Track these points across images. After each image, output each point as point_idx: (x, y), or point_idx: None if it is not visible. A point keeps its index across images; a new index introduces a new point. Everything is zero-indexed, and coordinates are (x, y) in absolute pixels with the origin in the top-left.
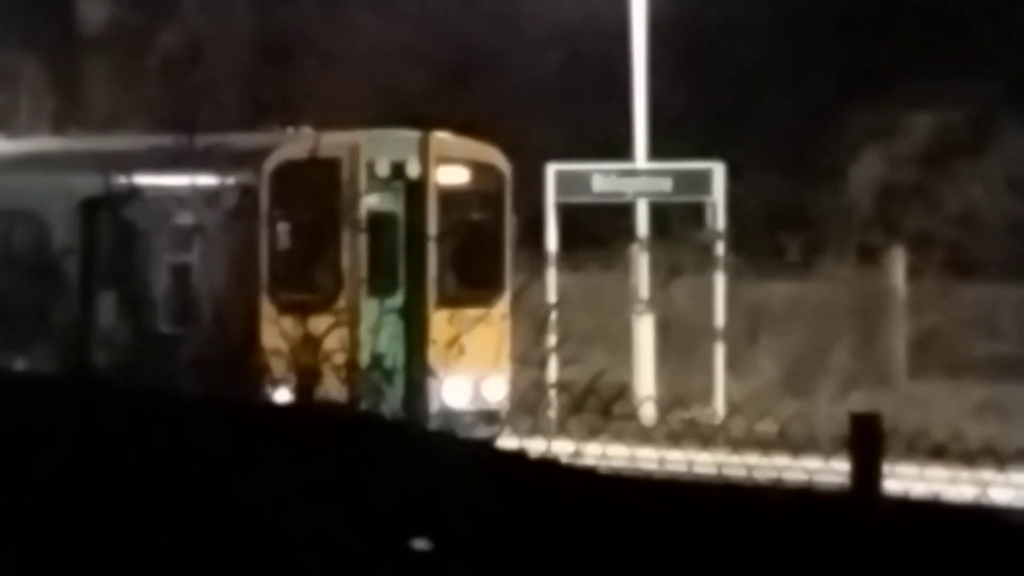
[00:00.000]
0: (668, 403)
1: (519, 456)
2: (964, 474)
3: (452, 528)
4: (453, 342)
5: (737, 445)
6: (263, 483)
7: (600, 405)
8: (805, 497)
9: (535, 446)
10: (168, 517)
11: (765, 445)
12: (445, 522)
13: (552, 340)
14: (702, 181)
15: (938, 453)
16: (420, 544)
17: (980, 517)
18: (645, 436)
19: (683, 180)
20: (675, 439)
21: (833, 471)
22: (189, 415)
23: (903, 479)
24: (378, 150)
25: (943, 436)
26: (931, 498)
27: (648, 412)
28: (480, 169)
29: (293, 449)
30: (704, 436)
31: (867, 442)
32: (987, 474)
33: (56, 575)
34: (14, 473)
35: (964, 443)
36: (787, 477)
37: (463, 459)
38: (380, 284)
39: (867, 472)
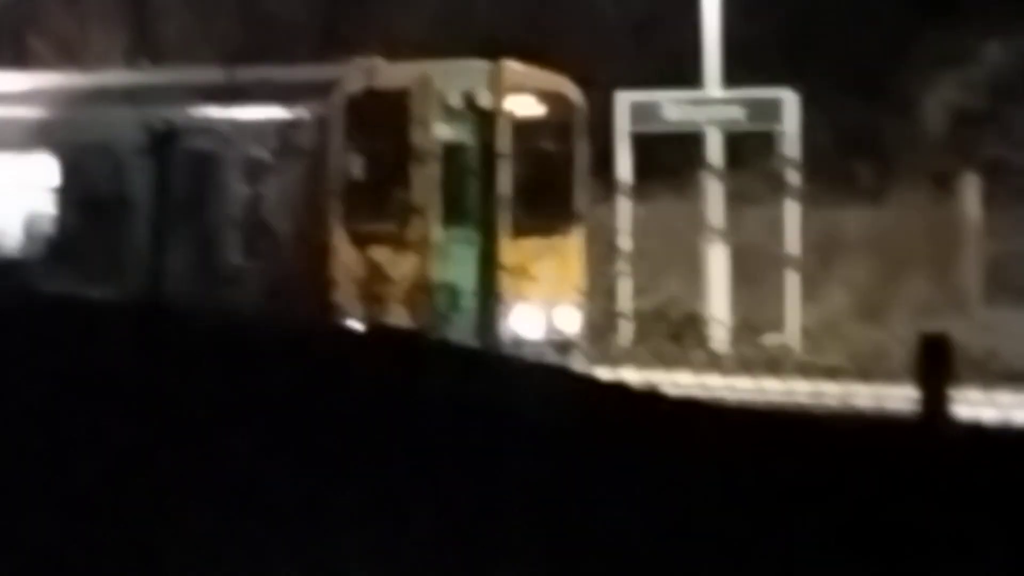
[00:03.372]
0: (740, 331)
1: (589, 379)
2: None
3: (522, 449)
4: (525, 271)
5: (809, 372)
6: (332, 407)
7: (672, 332)
8: (873, 422)
9: (607, 375)
10: (237, 440)
11: (837, 372)
12: (516, 443)
13: (627, 270)
14: (774, 109)
15: (1010, 377)
16: None
17: None
18: (718, 364)
19: (755, 108)
20: (747, 367)
21: (905, 398)
22: (259, 341)
23: (975, 405)
24: (449, 80)
25: (1017, 362)
26: (1001, 423)
27: (721, 340)
28: (551, 99)
29: (364, 373)
30: (776, 364)
31: (936, 363)
32: None
33: (128, 492)
34: (88, 394)
35: None
36: (858, 404)
37: (534, 382)
38: (452, 214)
39: (935, 394)
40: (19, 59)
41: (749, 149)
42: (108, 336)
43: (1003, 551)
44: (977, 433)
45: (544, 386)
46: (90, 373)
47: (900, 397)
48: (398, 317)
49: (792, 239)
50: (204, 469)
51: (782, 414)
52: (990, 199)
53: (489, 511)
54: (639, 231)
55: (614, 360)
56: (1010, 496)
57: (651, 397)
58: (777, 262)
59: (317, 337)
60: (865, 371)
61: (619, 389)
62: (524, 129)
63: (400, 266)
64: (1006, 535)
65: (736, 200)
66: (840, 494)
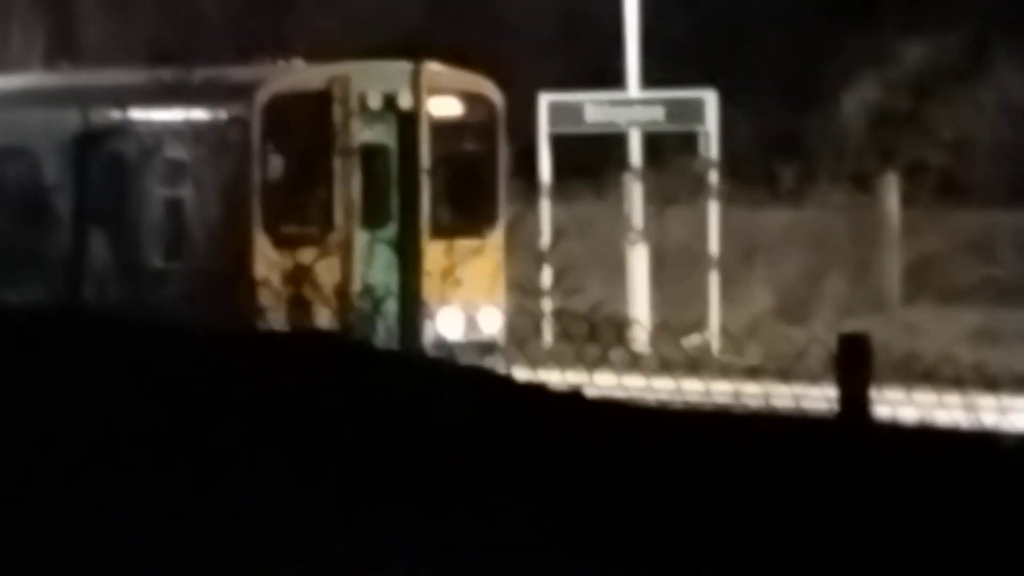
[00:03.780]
0: (661, 331)
1: (506, 380)
2: (954, 399)
3: (440, 448)
4: (447, 273)
5: (730, 372)
6: (252, 411)
7: (592, 333)
8: (792, 422)
9: (528, 376)
10: (148, 447)
11: (757, 372)
12: (434, 443)
13: (548, 271)
14: (695, 110)
15: (928, 376)
16: None
17: (970, 441)
18: (639, 365)
19: (676, 109)
20: (668, 367)
21: (825, 398)
22: (173, 343)
23: (895, 405)
24: (370, 82)
25: (935, 360)
26: (921, 422)
27: (642, 340)
28: (472, 100)
29: (284, 376)
30: (697, 363)
31: (855, 363)
32: (978, 398)
33: (39, 504)
34: (5, 402)
35: (955, 367)
36: (778, 404)
37: (454, 383)
38: (373, 216)
39: (855, 394)
40: None
41: (670, 150)
42: (27, 340)
43: (921, 550)
44: (897, 433)
45: (464, 388)
46: (9, 379)
47: (820, 397)
48: (320, 320)
49: (713, 239)
50: (122, 475)
51: (702, 414)
52: (910, 199)
53: (407, 513)
54: (561, 232)
55: (535, 361)
56: (928, 496)
57: (571, 398)
58: (698, 262)
59: (238, 340)
60: (785, 371)
61: (539, 390)
62: (445, 130)
63: (322, 268)
64: (924, 534)
65: (657, 201)
66: (759, 494)
